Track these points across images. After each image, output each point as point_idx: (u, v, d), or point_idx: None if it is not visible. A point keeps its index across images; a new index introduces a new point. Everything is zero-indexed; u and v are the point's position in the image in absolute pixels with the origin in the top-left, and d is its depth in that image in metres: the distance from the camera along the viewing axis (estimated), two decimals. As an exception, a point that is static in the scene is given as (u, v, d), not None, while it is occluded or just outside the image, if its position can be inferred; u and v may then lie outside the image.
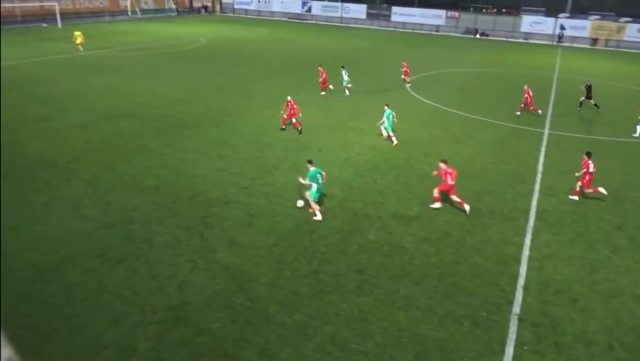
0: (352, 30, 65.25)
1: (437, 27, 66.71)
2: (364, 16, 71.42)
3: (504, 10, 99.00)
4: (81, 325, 8.61)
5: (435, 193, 13.51)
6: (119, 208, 12.87)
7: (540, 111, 24.00)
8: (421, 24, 67.35)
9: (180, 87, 26.57)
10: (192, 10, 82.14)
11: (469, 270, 10.83)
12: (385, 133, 19.22)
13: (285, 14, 76.74)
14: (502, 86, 30.90)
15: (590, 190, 14.40)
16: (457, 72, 35.47)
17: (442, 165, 13.38)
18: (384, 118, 19.04)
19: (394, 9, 71.02)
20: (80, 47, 37.09)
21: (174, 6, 78.24)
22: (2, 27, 47.93)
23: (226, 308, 9.20)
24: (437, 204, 13.63)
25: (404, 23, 68.40)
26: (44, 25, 52.32)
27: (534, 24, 62.15)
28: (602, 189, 14.35)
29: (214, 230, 11.98)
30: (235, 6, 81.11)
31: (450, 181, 13.18)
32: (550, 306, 9.74)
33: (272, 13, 77.86)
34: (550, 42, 59.55)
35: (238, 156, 16.93)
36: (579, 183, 14.40)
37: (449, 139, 19.92)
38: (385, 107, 19.21)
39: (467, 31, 65.73)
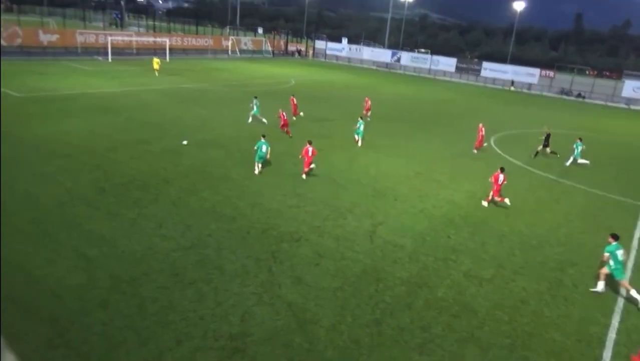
0: (440, 82, 65.27)
1: (530, 85, 64.87)
2: (453, 69, 71.42)
3: (605, 73, 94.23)
4: (148, 339, 8.97)
5: (305, 168, 18.60)
6: (196, 232, 13.49)
7: (485, 144, 26.02)
8: (512, 81, 65.88)
9: (265, 124, 27.80)
10: (286, 53, 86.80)
11: (544, 345, 9.99)
12: (356, 137, 24.68)
13: (374, 62, 78.70)
14: (598, 152, 29.09)
15: (498, 198, 17.56)
16: (548, 133, 33.98)
17: (308, 145, 18.53)
18: (358, 125, 24.57)
19: (485, 64, 70.40)
20: (156, 72, 42.38)
21: (270, 48, 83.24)
22: (119, 57, 53.40)
23: (285, 346, 9.17)
24: (304, 176, 18.67)
25: (494, 79, 67.38)
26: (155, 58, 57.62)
27: (638, 89, 58.51)
28: (507, 200, 17.55)
29: (282, 265, 12.13)
30: (327, 52, 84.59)
31: (308, 156, 18.45)
32: (637, 401, 8.67)
33: (362, 61, 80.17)
34: (655, 110, 55.54)
35: (313, 195, 17.22)
36: (491, 192, 17.61)
37: (534, 202, 18.92)
38: (359, 119, 24.89)
39: (562, 91, 63.23)
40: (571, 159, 24.71)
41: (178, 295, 10.45)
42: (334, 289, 11.26)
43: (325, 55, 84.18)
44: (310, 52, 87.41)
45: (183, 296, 10.44)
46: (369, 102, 32.51)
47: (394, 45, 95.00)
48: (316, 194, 17.25)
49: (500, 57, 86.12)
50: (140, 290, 10.51)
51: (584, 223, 17.17)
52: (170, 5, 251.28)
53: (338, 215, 15.62)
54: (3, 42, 49.97)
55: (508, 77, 66.28)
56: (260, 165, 18.88)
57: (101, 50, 54.87)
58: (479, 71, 69.47)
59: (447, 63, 72.66)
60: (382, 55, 79.68)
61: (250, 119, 27.76)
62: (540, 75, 65.01)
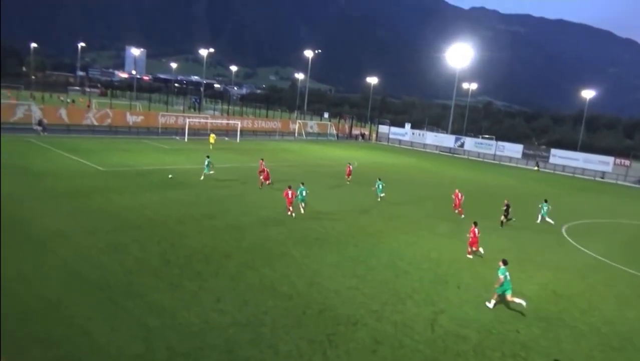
0: (506, 168, 64.01)
1: (603, 174, 61.93)
2: (519, 155, 70.02)
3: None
4: (197, 418, 8.75)
5: (289, 206, 23.94)
6: (253, 308, 13.46)
7: (463, 216, 27.47)
8: (583, 169, 63.35)
9: (327, 203, 28.19)
10: (350, 136, 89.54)
11: None
12: (379, 196, 30.07)
13: (437, 147, 79.06)
14: (685, 246, 26.59)
15: (474, 248, 20.41)
16: (626, 224, 31.78)
17: (288, 189, 23.95)
18: (377, 185, 30.15)
19: (554, 151, 68.59)
20: (210, 145, 48.51)
21: (334, 132, 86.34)
22: (195, 137, 57.37)
23: None
24: (293, 214, 23.97)
25: (563, 166, 65.12)
26: (226, 138, 61.50)
27: None
28: (481, 249, 20.46)
29: (337, 350, 11.69)
30: (390, 136, 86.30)
31: (289, 197, 23.82)
32: None
33: (425, 145, 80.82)
34: None
35: (372, 277, 16.85)
36: (469, 245, 20.48)
37: (613, 298, 17.34)
38: (378, 179, 30.37)
39: (639, 181, 59.68)
40: (539, 217, 28.80)
41: (231, 373, 10.25)
42: (391, 380, 10.61)
43: (388, 140, 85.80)
44: (374, 136, 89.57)
45: (236, 374, 10.23)
46: (350, 167, 37.28)
47: (458, 131, 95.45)
48: (375, 277, 16.87)
49: (569, 145, 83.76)
50: (194, 365, 10.44)
51: (675, 326, 15.37)
52: (244, 91, 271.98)
53: (397, 300, 15.08)
54: (95, 122, 55.65)
55: (579, 164, 63.89)
56: (303, 205, 24.47)
57: (179, 131, 59.41)
58: (547, 157, 67.61)
59: (513, 149, 71.49)
60: (446, 140, 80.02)
61: (202, 177, 31.53)
62: (615, 163, 62.10)
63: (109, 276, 14.71)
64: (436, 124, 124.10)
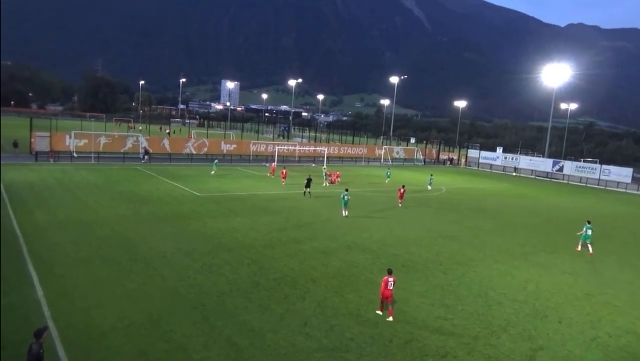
0: (613, 194, 58.60)
1: None
2: (628, 180, 63.82)
3: None
4: None
5: (283, 180, 38.20)
6: (339, 334, 13.42)
7: (400, 205, 34.16)
8: (515, 168, 56.57)
9: (414, 230, 27.62)
10: (437, 161, 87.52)
11: None
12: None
13: (533, 171, 74.55)
14: None
15: (400, 201, 34.22)
16: None
17: (283, 170, 37.19)
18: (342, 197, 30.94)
19: (670, 175, 61.60)
20: (325, 172, 49.29)
21: (421, 157, 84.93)
22: (283, 164, 59.40)
23: None
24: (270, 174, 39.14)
25: (683, 192, 58.17)
26: (313, 165, 62.94)
27: None
28: (400, 205, 33.87)
29: (426, 382, 11.25)
30: (481, 160, 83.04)
31: (283, 174, 40.73)
32: None
33: (518, 170, 76.57)
34: None
35: (462, 307, 16.10)
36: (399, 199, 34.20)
37: None
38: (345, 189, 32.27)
39: None
40: (428, 187, 44.33)
41: (317, 398, 10.26)
42: (484, 419, 9.97)
43: (478, 164, 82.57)
44: (463, 160, 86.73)
45: (321, 400, 10.21)
46: (274, 166, 49.47)
47: (556, 154, 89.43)
48: (466, 307, 16.11)
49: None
50: (281, 387, 10.59)
51: None
52: (330, 118, 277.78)
53: (490, 333, 14.24)
54: (193, 151, 59.85)
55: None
56: (345, 211, 29.20)
57: (269, 158, 61.96)
58: (663, 182, 60.92)
59: (621, 173, 65.33)
60: (542, 164, 75.22)
61: (213, 172, 44.98)
62: None
63: (203, 295, 15.53)
64: (531, 147, 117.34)
